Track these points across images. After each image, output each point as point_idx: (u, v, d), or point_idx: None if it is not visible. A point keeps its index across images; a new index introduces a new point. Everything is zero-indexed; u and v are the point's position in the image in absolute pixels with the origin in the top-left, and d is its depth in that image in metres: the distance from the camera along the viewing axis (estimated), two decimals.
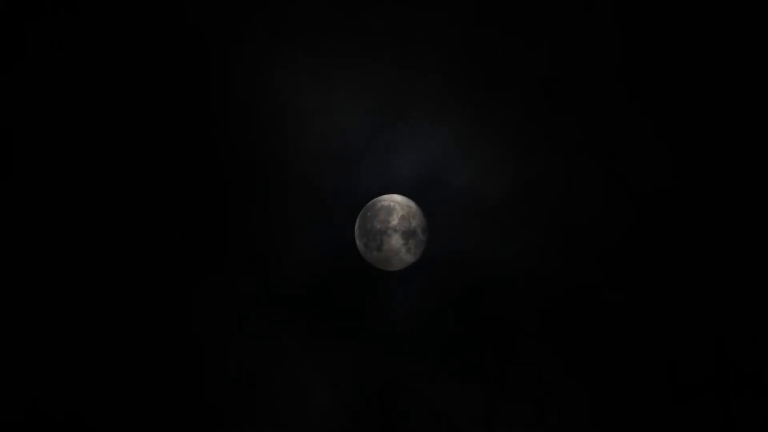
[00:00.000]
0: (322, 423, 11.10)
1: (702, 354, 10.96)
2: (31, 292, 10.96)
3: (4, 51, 11.10)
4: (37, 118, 11.10)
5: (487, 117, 11.24)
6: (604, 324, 11.05)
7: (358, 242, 11.19)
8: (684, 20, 11.13)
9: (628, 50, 11.18)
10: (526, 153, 11.21)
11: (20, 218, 11.01)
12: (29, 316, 10.93)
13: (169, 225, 11.15)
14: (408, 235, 11.12)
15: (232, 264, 11.21)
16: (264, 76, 11.21)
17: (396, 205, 11.18)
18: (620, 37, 11.19)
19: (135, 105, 11.17)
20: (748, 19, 11.10)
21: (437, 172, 11.27)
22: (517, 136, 11.22)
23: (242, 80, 11.22)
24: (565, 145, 11.20)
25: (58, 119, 11.12)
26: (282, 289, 11.21)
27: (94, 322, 10.99)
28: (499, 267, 11.18)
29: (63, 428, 10.84)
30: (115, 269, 11.05)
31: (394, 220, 11.10)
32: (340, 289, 11.25)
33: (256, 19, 11.26)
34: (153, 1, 11.20)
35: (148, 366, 10.98)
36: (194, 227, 11.18)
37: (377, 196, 11.23)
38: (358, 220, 11.21)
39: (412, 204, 11.22)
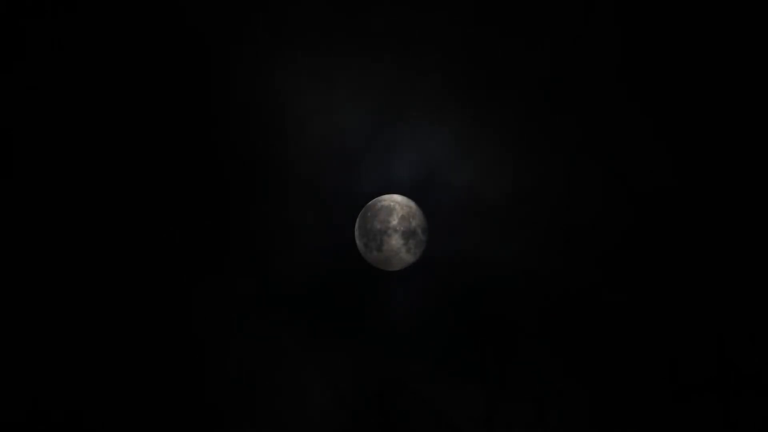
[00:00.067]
0: (322, 423, 11.10)
1: (702, 354, 10.97)
2: (31, 292, 10.96)
3: (4, 51, 11.10)
4: (37, 118, 11.10)
5: (487, 117, 11.24)
6: (604, 324, 11.05)
7: (358, 242, 11.19)
8: (684, 20, 11.13)
9: (628, 50, 11.18)
10: (526, 153, 11.21)
11: (20, 218, 11.01)
12: (29, 316, 10.93)
13: (169, 225, 11.15)
14: (408, 235, 11.12)
15: (232, 264, 11.21)
16: (264, 76, 11.22)
17: (396, 205, 11.18)
18: (620, 37, 11.19)
19: (135, 105, 11.17)
20: (748, 19, 11.10)
21: (437, 172, 11.27)
22: (517, 136, 11.22)
23: (242, 80, 11.22)
24: (565, 145, 11.20)
25: (58, 119, 11.12)
26: (282, 289, 11.21)
27: (94, 322, 10.99)
28: (499, 267, 11.18)
29: (63, 428, 10.84)
30: (115, 269, 11.05)
31: (394, 220, 11.10)
32: (340, 289, 11.25)
33: (256, 19, 11.26)
34: (153, 1, 11.20)
35: (149, 366, 10.98)
36: (194, 227, 11.18)
37: (377, 196, 11.23)
38: (358, 220, 11.21)
39: (412, 204, 11.22)
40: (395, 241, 11.09)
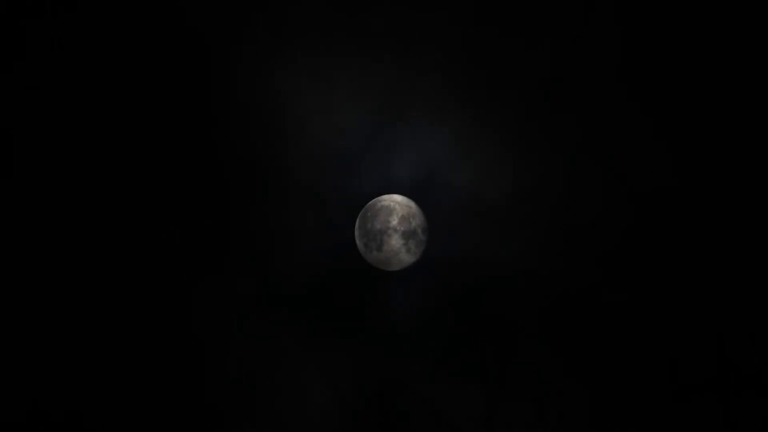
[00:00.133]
0: (322, 423, 11.10)
1: (702, 354, 10.96)
2: (31, 292, 10.96)
3: (4, 51, 11.09)
4: (37, 118, 11.10)
5: (487, 117, 11.24)
6: (604, 324, 11.05)
7: (358, 242, 11.19)
8: (684, 20, 11.13)
9: (628, 50, 11.18)
10: (526, 153, 11.21)
11: (20, 218, 11.01)
12: (29, 316, 10.93)
13: (169, 225, 11.15)
14: (408, 235, 11.12)
15: (232, 264, 11.21)
16: (264, 76, 11.21)
17: (396, 205, 11.18)
18: (620, 37, 11.19)
19: (135, 105, 11.17)
20: (748, 19, 11.10)
21: (437, 172, 11.27)
22: (517, 136, 11.22)
23: (242, 80, 11.22)
24: (565, 145, 11.20)
25: (58, 119, 11.12)
26: (282, 289, 11.21)
27: (94, 322, 10.99)
28: (499, 267, 11.18)
29: (63, 428, 10.84)
30: (115, 269, 11.05)
31: (394, 221, 11.10)
32: (340, 289, 11.25)
33: (256, 19, 11.26)
34: (153, 1, 11.20)
35: (149, 366, 10.98)
36: (194, 227, 11.18)
37: (377, 197, 11.23)
38: (358, 220, 11.21)
39: (412, 204, 11.22)
40: (395, 241, 11.09)
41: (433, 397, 11.11)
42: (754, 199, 11.02)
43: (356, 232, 11.21)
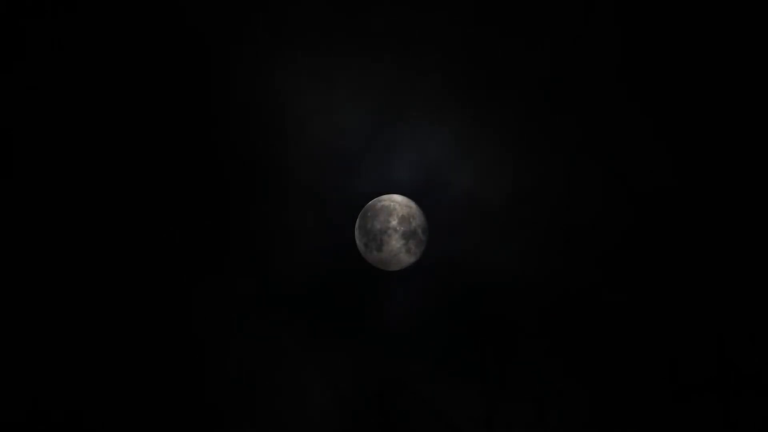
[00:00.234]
0: (322, 423, 11.10)
1: (702, 354, 10.97)
2: (31, 292, 10.96)
3: (4, 51, 11.09)
4: (37, 118, 11.10)
5: (487, 117, 11.24)
6: (604, 324, 11.05)
7: (358, 242, 11.19)
8: (684, 20, 11.13)
9: (628, 50, 11.18)
10: (526, 153, 11.21)
11: (20, 218, 11.01)
12: (29, 316, 10.93)
13: (169, 225, 11.15)
14: (408, 235, 11.12)
15: (232, 264, 11.21)
16: (264, 76, 11.21)
17: (396, 205, 11.17)
18: (620, 37, 11.19)
19: (135, 105, 11.17)
20: (748, 19, 11.10)
21: (437, 172, 11.27)
22: (517, 136, 11.22)
23: (242, 80, 11.22)
24: (565, 145, 11.20)
25: (58, 119, 11.12)
26: (282, 289, 11.21)
27: (94, 322, 10.99)
28: (499, 267, 11.18)
29: (63, 428, 10.84)
30: (115, 269, 11.05)
31: (394, 221, 11.10)
32: (340, 289, 11.25)
33: (256, 19, 11.26)
34: (153, 1, 11.20)
35: (149, 366, 10.98)
36: (194, 227, 11.18)
37: (377, 197, 11.23)
38: (358, 220, 11.21)
39: (412, 204, 11.22)
40: (395, 242, 11.09)
41: (433, 397, 11.11)
42: (754, 199, 11.02)
43: (356, 232, 11.21)
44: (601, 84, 11.18)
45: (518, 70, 11.21)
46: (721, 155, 11.08)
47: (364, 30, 11.26)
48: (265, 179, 11.26)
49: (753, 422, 10.83)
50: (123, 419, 10.90)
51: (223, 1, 11.25)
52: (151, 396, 10.94)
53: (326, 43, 11.25)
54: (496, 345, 11.15)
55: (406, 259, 11.17)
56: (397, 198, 11.24)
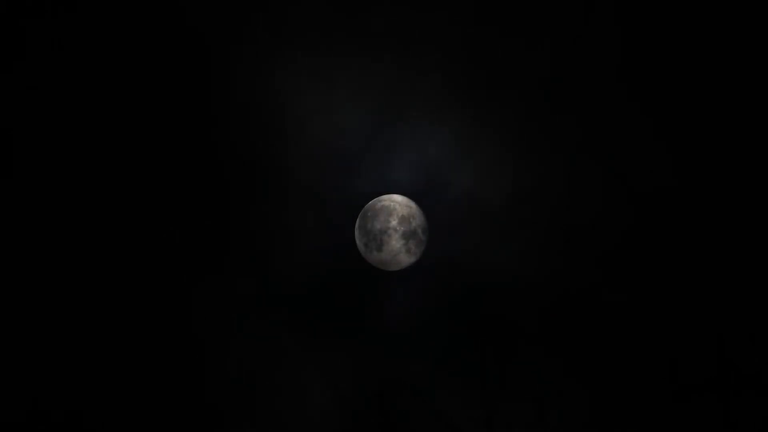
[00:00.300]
0: (322, 423, 11.10)
1: (702, 354, 10.96)
2: (31, 292, 10.96)
3: (4, 51, 11.09)
4: (37, 118, 11.10)
5: (487, 117, 11.24)
6: (604, 324, 11.05)
7: (358, 242, 11.19)
8: (684, 20, 11.13)
9: (628, 50, 11.18)
10: (526, 153, 11.21)
11: (20, 218, 11.01)
12: (29, 316, 10.93)
13: (169, 225, 11.15)
14: (408, 235, 11.12)
15: (232, 264, 11.21)
16: (264, 76, 11.21)
17: (396, 205, 11.17)
18: (620, 37, 11.19)
19: (135, 105, 11.17)
20: (748, 19, 11.09)
21: (437, 172, 11.27)
22: (517, 136, 11.21)
23: (242, 80, 11.22)
24: (565, 145, 11.20)
25: (58, 119, 11.12)
26: (282, 289, 11.21)
27: (94, 322, 10.99)
28: (499, 267, 11.17)
29: (63, 428, 10.84)
30: (115, 269, 11.05)
31: (394, 221, 11.10)
32: (340, 289, 11.25)
33: (256, 19, 11.26)
34: (153, 1, 11.19)
35: (149, 366, 10.98)
36: (194, 227, 11.18)
37: (377, 197, 11.23)
38: (358, 220, 11.21)
39: (412, 204, 11.22)
40: (395, 242, 11.09)
41: (433, 397, 11.11)
42: (754, 199, 11.02)
43: (356, 232, 11.21)
44: (601, 84, 11.18)
45: (518, 70, 11.21)
46: (721, 155, 11.08)
47: (364, 30, 11.26)
48: (265, 179, 11.26)
49: (753, 422, 10.82)
50: (123, 419, 10.90)
51: (223, 1, 11.25)
52: (151, 396, 10.94)
53: (326, 43, 11.25)
54: (496, 345, 11.15)
55: (406, 259, 11.17)
56: (397, 198, 11.23)
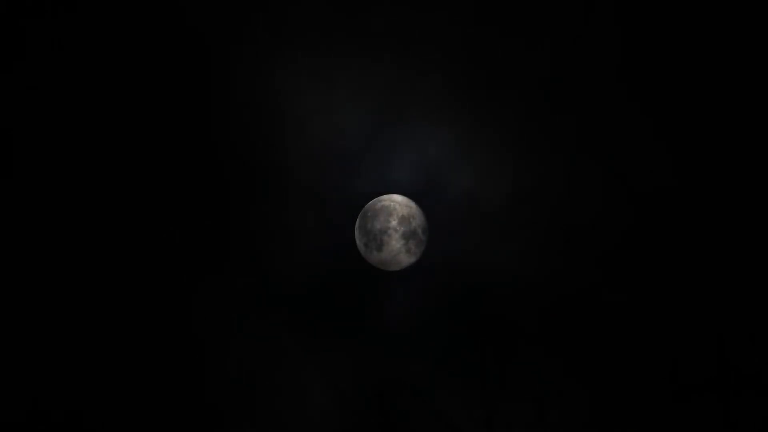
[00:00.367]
0: (322, 423, 11.10)
1: (702, 354, 10.96)
2: (31, 292, 10.96)
3: (4, 51, 11.09)
4: (37, 118, 11.10)
5: (487, 117, 11.24)
6: (604, 324, 11.05)
7: (359, 242, 11.19)
8: (684, 20, 11.13)
9: (628, 50, 11.18)
10: (526, 153, 11.21)
11: (20, 218, 11.01)
12: (29, 316, 10.93)
13: (169, 225, 11.15)
14: (408, 235, 11.11)
15: (232, 264, 11.21)
16: (264, 76, 11.21)
17: (396, 205, 11.17)
18: (620, 37, 11.19)
19: (135, 105, 11.17)
20: (748, 19, 11.09)
21: (437, 172, 11.27)
22: (517, 136, 11.21)
23: (242, 80, 11.22)
24: (565, 145, 11.20)
25: (58, 119, 11.12)
26: (282, 289, 11.21)
27: (94, 321, 10.99)
28: (499, 267, 11.17)
29: (63, 428, 10.84)
30: (115, 269, 11.05)
31: (395, 221, 11.10)
32: (340, 289, 11.25)
33: (256, 19, 11.26)
34: (153, 1, 11.19)
35: (149, 366, 10.98)
36: (194, 227, 11.18)
37: (377, 197, 11.23)
38: (358, 220, 11.21)
39: (412, 204, 11.22)
40: (395, 242, 11.09)
41: (433, 397, 11.11)
42: (754, 199, 11.02)
43: (356, 232, 11.20)
44: (601, 84, 11.18)
45: (518, 70, 11.21)
46: (722, 155, 11.08)
47: (364, 30, 11.26)
48: (265, 179, 11.25)
49: (753, 422, 10.82)
50: (123, 419, 10.90)
51: (223, 1, 11.25)
52: (151, 396, 10.94)
53: (326, 43, 11.25)
54: (496, 345, 11.15)
55: (406, 259, 11.17)
56: (397, 198, 11.23)
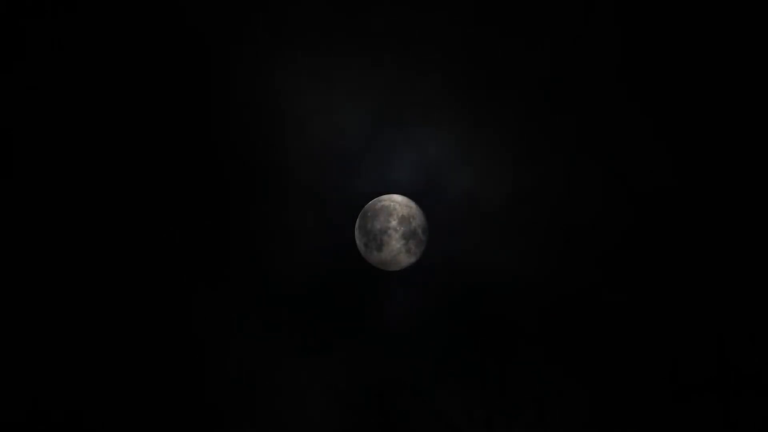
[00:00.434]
0: (322, 423, 11.09)
1: (702, 354, 10.96)
2: (31, 293, 10.96)
3: (4, 51, 11.09)
4: (37, 118, 11.10)
5: (487, 117, 11.23)
6: (604, 324, 11.05)
7: (358, 242, 11.18)
8: (684, 20, 11.13)
9: (628, 50, 11.17)
10: (526, 153, 11.20)
11: (20, 218, 11.01)
12: (29, 316, 10.92)
13: (168, 225, 11.15)
14: (408, 235, 11.11)
15: (232, 264, 11.21)
16: (264, 76, 11.21)
17: (396, 205, 11.17)
18: (620, 37, 11.18)
19: (135, 105, 11.17)
20: (748, 19, 11.09)
21: (437, 172, 11.27)
22: (517, 136, 11.21)
23: (242, 80, 11.22)
24: (565, 145, 11.19)
25: (58, 119, 11.12)
26: (282, 289, 11.21)
27: (93, 321, 10.99)
28: (499, 267, 11.17)
29: (63, 428, 10.84)
30: (114, 269, 11.05)
31: (395, 221, 11.10)
32: (340, 289, 11.25)
33: (256, 19, 11.26)
34: (153, 1, 11.19)
35: (149, 366, 10.98)
36: (194, 227, 11.18)
37: (377, 197, 11.23)
38: (358, 220, 11.21)
39: (412, 204, 11.22)
40: (395, 242, 11.09)
41: (433, 397, 11.11)
42: (754, 199, 11.02)
43: (356, 233, 11.20)
44: (601, 84, 11.18)
45: (518, 70, 11.21)
46: (722, 155, 11.08)
47: (364, 30, 11.26)
48: (265, 179, 11.25)
49: (753, 422, 10.82)
50: (123, 419, 10.90)
51: (223, 1, 11.24)
52: (151, 396, 10.94)
53: (326, 43, 11.25)
54: (496, 345, 11.15)
55: (406, 259, 11.17)
56: (397, 198, 11.23)
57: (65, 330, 10.95)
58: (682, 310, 11.02)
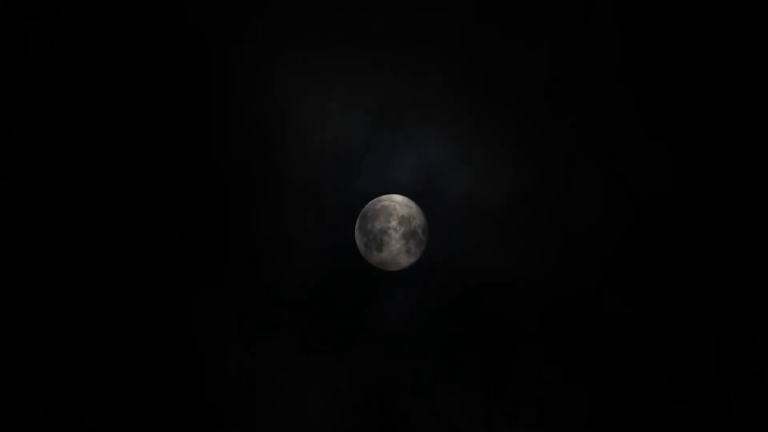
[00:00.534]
0: (322, 423, 11.10)
1: (702, 354, 10.97)
2: (31, 293, 10.96)
3: (4, 51, 11.09)
4: (37, 118, 11.10)
5: (487, 117, 11.23)
6: (604, 325, 11.05)
7: (359, 242, 11.19)
8: (684, 20, 11.12)
9: (628, 50, 11.17)
10: (526, 154, 11.20)
11: (20, 218, 11.01)
12: (29, 317, 10.93)
13: (169, 226, 11.15)
14: (408, 235, 11.12)
15: (232, 264, 11.21)
16: (264, 77, 11.21)
17: (396, 205, 11.17)
18: (620, 37, 11.18)
19: (135, 105, 11.17)
20: (748, 19, 11.09)
21: (437, 172, 11.27)
22: (517, 136, 11.21)
23: (242, 81, 11.21)
24: (565, 146, 11.19)
25: (58, 119, 11.12)
26: (282, 290, 11.21)
27: (94, 322, 10.99)
28: (499, 267, 11.18)
29: (63, 428, 10.85)
30: (115, 269, 11.05)
31: (394, 221, 11.10)
32: (340, 289, 11.25)
33: (256, 19, 11.26)
34: (153, 1, 11.19)
35: (149, 366, 10.98)
36: (194, 228, 11.18)
37: (377, 197, 11.23)
38: (358, 220, 11.21)
39: (412, 204, 11.22)
40: (395, 242, 11.09)
41: (433, 397, 11.11)
42: (754, 200, 11.02)
43: (356, 233, 11.21)
44: (601, 84, 11.17)
45: (518, 70, 11.21)
46: (722, 156, 11.08)
47: (364, 30, 11.25)
48: (264, 180, 11.26)
49: (753, 422, 10.83)
50: (123, 419, 10.91)
51: (223, 1, 11.24)
52: (151, 396, 10.95)
53: (326, 43, 11.25)
54: (496, 345, 11.16)
55: (406, 259, 11.17)
56: (397, 198, 11.23)
57: (65, 330, 10.95)
58: (682, 310, 11.02)
